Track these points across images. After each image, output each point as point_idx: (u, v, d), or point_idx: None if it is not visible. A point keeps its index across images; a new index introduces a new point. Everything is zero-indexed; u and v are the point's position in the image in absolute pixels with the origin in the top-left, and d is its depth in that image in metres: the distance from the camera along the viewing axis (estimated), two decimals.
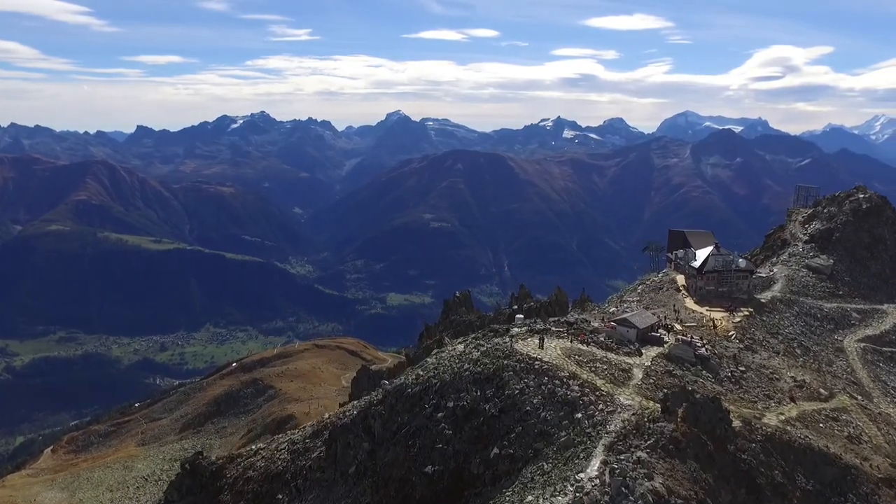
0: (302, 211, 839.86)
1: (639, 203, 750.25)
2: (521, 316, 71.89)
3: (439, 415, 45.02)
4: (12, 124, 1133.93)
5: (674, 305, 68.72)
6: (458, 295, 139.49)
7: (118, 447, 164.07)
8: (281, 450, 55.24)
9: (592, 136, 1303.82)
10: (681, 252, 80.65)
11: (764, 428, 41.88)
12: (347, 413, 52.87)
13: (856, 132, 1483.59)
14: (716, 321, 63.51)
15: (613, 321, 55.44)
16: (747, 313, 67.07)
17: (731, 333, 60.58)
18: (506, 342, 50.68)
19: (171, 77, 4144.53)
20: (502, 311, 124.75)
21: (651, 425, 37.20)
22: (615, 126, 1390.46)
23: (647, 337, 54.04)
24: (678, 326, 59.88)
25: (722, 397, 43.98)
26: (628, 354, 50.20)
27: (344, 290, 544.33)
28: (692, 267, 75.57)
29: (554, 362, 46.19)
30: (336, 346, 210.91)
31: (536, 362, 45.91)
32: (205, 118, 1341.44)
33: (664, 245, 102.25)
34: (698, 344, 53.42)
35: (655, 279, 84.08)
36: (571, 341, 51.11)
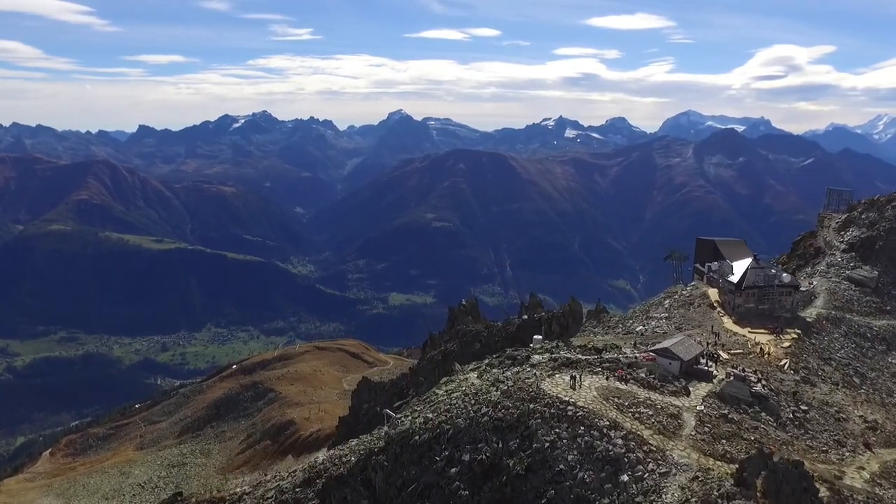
0: (303, 210, 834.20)
1: (641, 203, 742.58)
2: (540, 337, 64.52)
3: (453, 470, 37.82)
4: (14, 124, 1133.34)
5: (712, 327, 61.25)
6: (464, 303, 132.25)
7: (116, 451, 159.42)
8: (268, 498, 48.04)
9: (594, 135, 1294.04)
10: (714, 264, 73.05)
11: (854, 496, 34.44)
12: (344, 460, 45.63)
13: (858, 132, 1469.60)
14: (763, 346, 55.99)
15: (653, 351, 47.95)
16: (795, 336, 59.60)
17: (783, 362, 53.08)
18: (529, 376, 43.37)
19: (173, 76, 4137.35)
20: (511, 321, 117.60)
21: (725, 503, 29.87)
22: (617, 125, 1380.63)
23: (692, 370, 46.61)
24: (723, 355, 52.36)
25: (791, 447, 36.66)
26: (674, 394, 42.76)
27: (345, 290, 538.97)
28: (729, 282, 67.98)
29: (590, 407, 38.79)
30: (337, 347, 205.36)
31: (570, 407, 38.52)
32: (206, 118, 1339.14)
33: (688, 254, 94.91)
34: (753, 379, 45.90)
35: (684, 293, 76.76)
36: (608, 378, 43.68)
